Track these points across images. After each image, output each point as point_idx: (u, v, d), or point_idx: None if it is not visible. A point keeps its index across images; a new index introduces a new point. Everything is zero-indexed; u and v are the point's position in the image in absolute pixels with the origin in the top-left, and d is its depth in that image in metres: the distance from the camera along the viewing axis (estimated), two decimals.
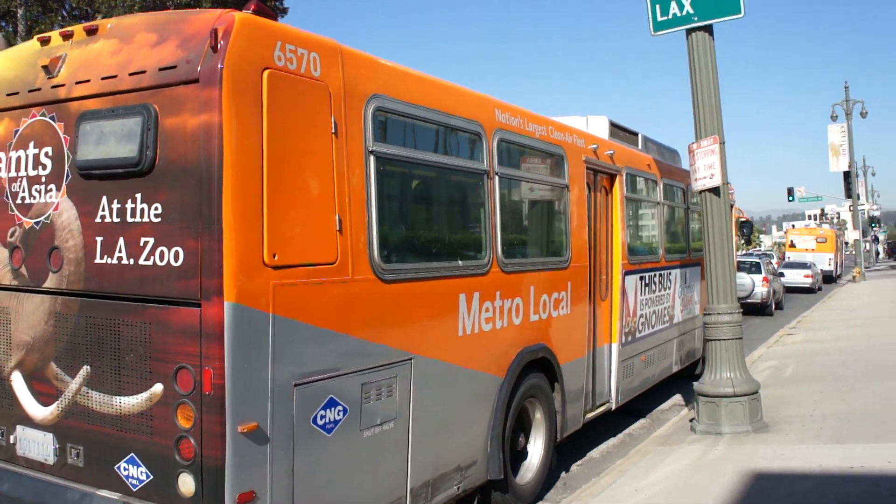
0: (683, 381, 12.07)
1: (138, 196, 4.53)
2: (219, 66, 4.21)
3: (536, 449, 7.58)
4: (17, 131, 5.30)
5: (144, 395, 4.49)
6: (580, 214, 8.55)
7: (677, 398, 12.27)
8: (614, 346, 9.55)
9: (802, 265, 42.10)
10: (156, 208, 4.47)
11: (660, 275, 11.13)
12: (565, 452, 8.94)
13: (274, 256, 4.39)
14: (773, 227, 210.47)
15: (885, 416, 9.16)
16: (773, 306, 27.73)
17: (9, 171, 5.33)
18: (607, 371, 9.48)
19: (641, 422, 11.11)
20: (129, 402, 4.56)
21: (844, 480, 6.89)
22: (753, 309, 25.77)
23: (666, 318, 11.51)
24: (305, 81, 4.73)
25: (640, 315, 10.31)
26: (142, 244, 4.52)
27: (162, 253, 4.43)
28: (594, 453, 9.40)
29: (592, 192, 9.06)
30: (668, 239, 11.84)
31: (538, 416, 7.59)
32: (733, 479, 7.05)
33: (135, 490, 4.56)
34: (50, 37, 5.28)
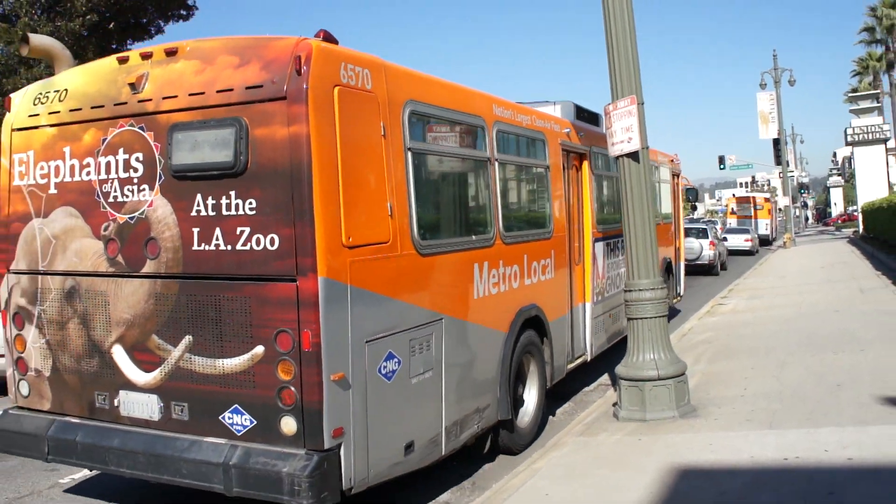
0: (614, 354, 11.36)
1: (232, 193, 5.47)
2: (304, 86, 5.20)
3: (531, 397, 8.75)
4: (105, 139, 6.10)
5: (246, 356, 5.46)
6: (558, 190, 9.77)
7: (604, 378, 11.58)
8: (588, 305, 10.67)
9: (743, 230, 45.37)
10: (250, 203, 5.41)
11: (621, 241, 10.93)
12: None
13: (349, 238, 5.42)
14: (706, 196, 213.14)
15: (819, 394, 8.51)
16: (719, 267, 30.97)
17: (98, 174, 6.15)
18: (583, 327, 10.59)
19: (565, 406, 10.35)
20: (232, 363, 5.53)
21: (778, 476, 6.15)
22: (702, 269, 29.32)
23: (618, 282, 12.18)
24: (362, 94, 5.76)
25: (606, 277, 11.52)
26: (238, 233, 5.47)
27: (258, 239, 5.39)
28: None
29: (566, 170, 10.19)
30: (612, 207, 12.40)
31: (532, 368, 8.73)
32: (656, 479, 6.28)
33: (239, 434, 5.53)
34: (129, 56, 6.12)
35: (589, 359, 10.73)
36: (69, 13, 26.38)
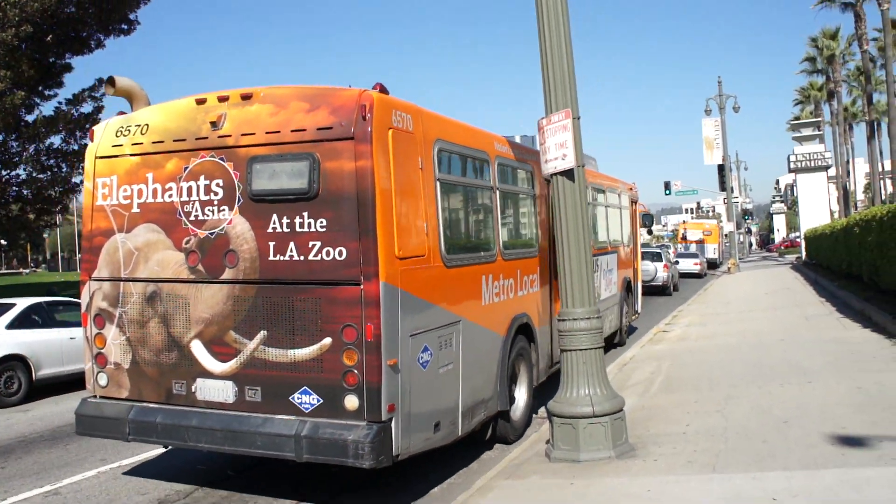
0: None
1: (305, 214, 6.61)
2: (368, 129, 6.38)
3: (521, 394, 9.76)
4: (186, 168, 7.22)
5: (315, 347, 6.56)
6: (543, 214, 10.90)
7: (543, 410, 10.88)
8: (544, 325, 11.12)
9: (693, 255, 48.63)
10: (321, 222, 6.55)
11: (596, 260, 13.35)
12: (406, 486, 7.83)
13: (400, 251, 6.57)
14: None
15: (765, 432, 7.92)
16: (672, 288, 33.59)
17: (180, 196, 7.26)
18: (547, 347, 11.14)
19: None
20: (303, 352, 6.62)
21: None
22: (657, 290, 31.76)
23: (599, 293, 13.07)
24: (407, 135, 6.95)
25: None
26: (310, 246, 6.60)
27: (328, 251, 6.51)
28: (436, 490, 7.86)
29: (549, 197, 10.41)
30: (593, 231, 13.80)
31: (522, 370, 9.75)
32: None
33: (307, 412, 6.61)
34: (206, 98, 7.26)
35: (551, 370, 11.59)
36: (1, 23, 25.14)
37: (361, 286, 6.40)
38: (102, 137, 7.91)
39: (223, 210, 7.08)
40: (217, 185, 7.10)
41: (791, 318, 17.62)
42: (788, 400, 9.27)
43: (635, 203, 19.00)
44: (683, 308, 23.60)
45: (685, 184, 68.68)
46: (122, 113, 8.11)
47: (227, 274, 7.05)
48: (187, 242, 7.27)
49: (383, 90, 6.77)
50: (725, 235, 59.64)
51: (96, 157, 7.90)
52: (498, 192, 9.18)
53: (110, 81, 8.58)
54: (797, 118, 71.18)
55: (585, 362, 7.69)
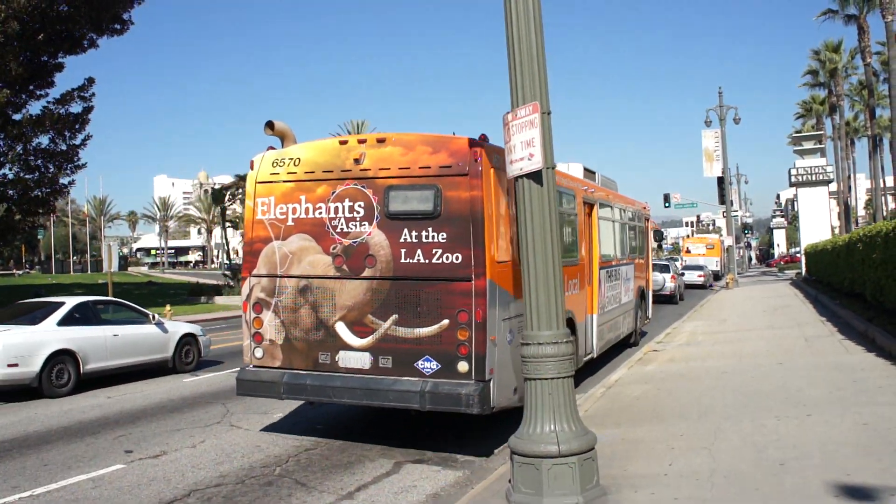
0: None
1: (430, 228, 9.02)
2: (479, 169, 8.74)
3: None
4: (334, 192, 9.57)
5: (436, 326, 8.91)
6: (581, 231, 13.30)
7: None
8: (595, 316, 14.19)
9: (698, 267, 51.40)
10: (442, 235, 8.94)
11: (615, 270, 16.25)
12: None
13: (496, 256, 8.91)
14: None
15: (758, 477, 6.88)
16: (678, 297, 36.51)
17: (328, 214, 9.59)
18: (592, 333, 14.02)
19: (458, 474, 8.61)
20: (426, 330, 8.98)
21: None
22: (665, 299, 34.62)
23: (617, 299, 16.39)
24: (499, 171, 8.88)
25: (606, 296, 15.18)
26: (433, 252, 9.01)
27: (447, 257, 8.89)
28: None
29: (584, 216, 13.61)
30: (618, 245, 16.90)
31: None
32: None
33: (427, 375, 8.95)
34: (348, 140, 9.74)
35: (595, 355, 14.37)
36: None
37: (472, 282, 8.77)
38: (261, 167, 10.23)
39: (364, 224, 9.45)
40: (359, 206, 9.46)
41: (790, 340, 16.59)
42: (785, 436, 8.23)
43: (648, 220, 21.95)
44: (677, 325, 22.58)
45: (685, 196, 67.82)
46: (271, 147, 10.45)
47: (367, 273, 9.39)
48: (334, 248, 9.60)
49: (485, 138, 9.11)
50: (726, 249, 58.81)
51: (256, 182, 10.18)
52: (568, 214, 12.45)
53: (269, 125, 10.40)
54: (798, 132, 70.23)
55: (552, 393, 6.66)
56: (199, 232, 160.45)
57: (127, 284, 71.94)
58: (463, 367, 8.73)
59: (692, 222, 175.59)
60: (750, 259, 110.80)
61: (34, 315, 15.13)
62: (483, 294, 8.69)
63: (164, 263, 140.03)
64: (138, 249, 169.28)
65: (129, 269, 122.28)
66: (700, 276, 49.03)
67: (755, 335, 18.17)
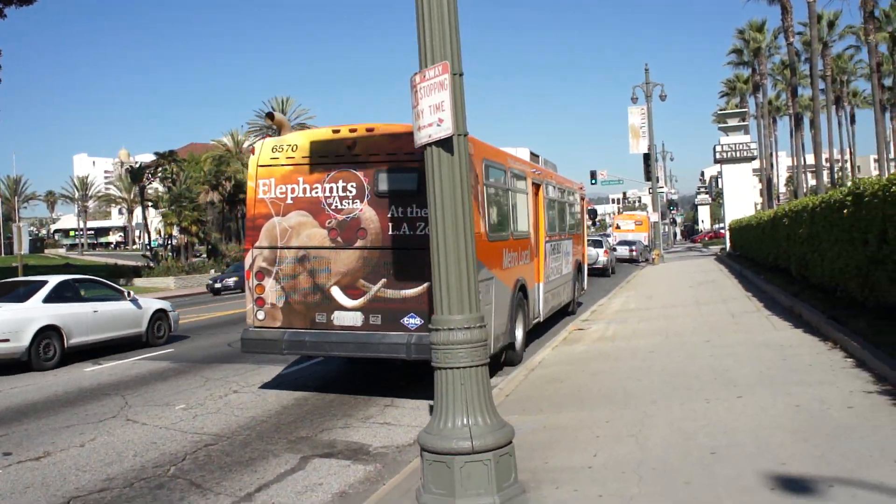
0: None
1: (414, 205, 10.38)
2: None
3: (520, 333, 13.49)
4: (328, 174, 10.96)
5: (420, 287, 10.26)
6: (532, 208, 15.24)
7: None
8: (541, 284, 15.95)
9: (629, 243, 53.75)
10: (424, 210, 9.96)
11: (556, 244, 17.85)
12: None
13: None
14: None
15: (689, 468, 6.37)
16: (611, 270, 38.85)
17: (324, 193, 10.99)
18: (539, 299, 15.79)
19: (369, 469, 7.96)
20: (411, 291, 10.38)
21: None
22: (598, 272, 36.30)
23: (559, 271, 18.14)
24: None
25: (549, 267, 16.85)
26: (417, 225, 10.34)
27: (429, 228, 7.13)
28: None
29: (532, 195, 15.37)
30: (559, 221, 18.69)
31: (520, 316, 13.51)
32: None
33: (412, 329, 10.31)
34: (340, 129, 10.95)
35: (542, 320, 16.28)
36: None
37: None
38: (261, 152, 11.45)
39: (356, 202, 10.82)
40: (352, 186, 10.83)
41: (716, 316, 16.31)
42: (716, 422, 7.76)
43: (584, 199, 24.53)
44: (604, 302, 22.25)
45: (611, 173, 68.13)
46: (268, 135, 13.13)
47: (359, 243, 10.76)
48: (329, 223, 10.93)
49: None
50: (653, 225, 59.24)
51: (258, 165, 11.41)
52: (510, 192, 13.65)
53: (269, 116, 11.95)
54: (723, 110, 70.93)
55: (465, 384, 6.04)
56: (121, 212, 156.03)
57: (42, 267, 69.33)
58: None
59: (619, 199, 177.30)
60: (675, 235, 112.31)
61: (18, 293, 16.02)
62: None
63: (83, 245, 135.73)
64: (56, 231, 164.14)
65: (46, 251, 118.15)
66: (632, 250, 51.21)
67: (682, 312, 17.89)
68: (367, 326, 10.67)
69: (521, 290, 13.59)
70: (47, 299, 15.76)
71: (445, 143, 6.09)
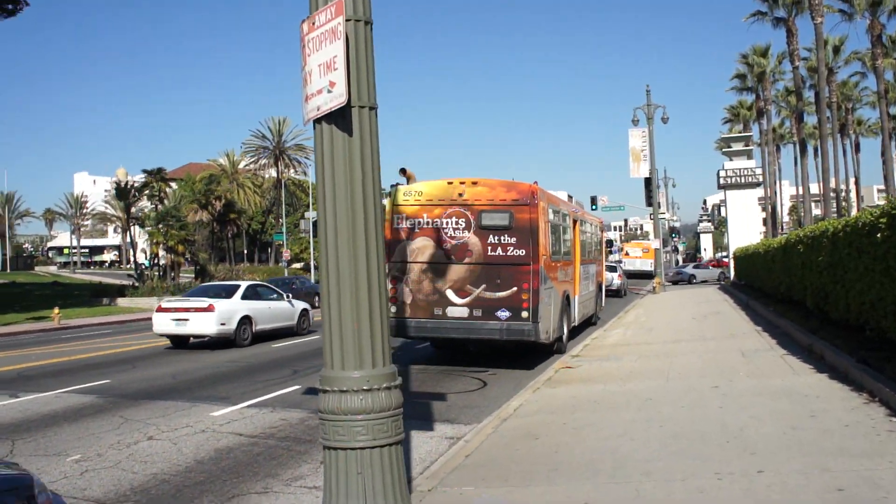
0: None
1: (505, 235, 15.14)
2: (535, 201, 15.29)
3: (566, 331, 18.02)
4: (446, 212, 15.46)
5: (509, 291, 14.96)
6: (572, 239, 20.17)
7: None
8: (577, 297, 20.21)
9: (643, 273, 62.31)
10: (513, 239, 15.10)
11: (586, 267, 22.30)
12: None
13: (543, 253, 15.38)
14: None
15: None
16: (624, 292, 42.91)
17: (442, 224, 15.48)
18: (575, 307, 19.90)
19: None
20: (503, 294, 14.99)
21: None
22: (613, 293, 40.08)
23: (587, 287, 22.42)
24: (544, 203, 15.85)
25: (582, 284, 21.19)
26: (508, 249, 15.11)
27: (516, 251, 15.04)
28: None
29: (571, 227, 20.14)
30: (588, 249, 23.16)
31: (565, 318, 18.02)
32: None
33: (504, 319, 14.92)
34: (453, 182, 15.74)
35: (576, 323, 20.29)
36: None
37: (531, 266, 15.00)
38: (395, 196, 15.87)
39: (465, 232, 15.37)
40: (462, 221, 15.42)
41: (725, 355, 14.29)
42: None
43: (603, 231, 29.57)
44: (598, 335, 20.24)
45: (612, 199, 66.25)
46: (398, 184, 16.46)
47: (467, 260, 15.28)
48: (445, 245, 15.41)
49: (537, 183, 15.84)
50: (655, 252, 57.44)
51: (394, 205, 15.74)
52: (561, 227, 18.30)
53: (402, 171, 16.86)
54: (727, 136, 69.13)
55: (363, 472, 4.08)
56: (116, 231, 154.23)
57: (30, 285, 67.52)
58: (524, 315, 14.86)
59: (620, 226, 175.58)
60: (677, 263, 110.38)
61: (222, 293, 22.01)
62: (537, 273, 15.02)
63: (75, 263, 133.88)
64: (50, 248, 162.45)
65: (37, 268, 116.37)
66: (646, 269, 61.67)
67: (685, 348, 15.88)
68: (472, 317, 15.24)
69: (567, 298, 18.19)
70: (243, 297, 22.02)
71: (340, 119, 4.15)
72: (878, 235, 10.70)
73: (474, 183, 15.61)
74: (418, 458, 8.96)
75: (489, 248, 15.15)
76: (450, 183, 15.77)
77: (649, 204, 49.22)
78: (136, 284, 54.20)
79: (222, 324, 20.69)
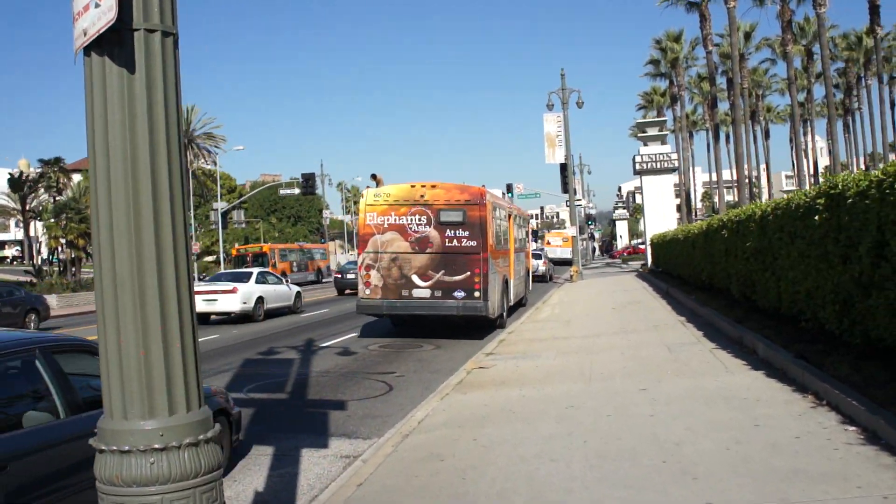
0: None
1: (459, 229, 18.32)
2: (484, 201, 18.64)
3: (505, 308, 21.06)
4: (409, 211, 18.55)
5: (464, 275, 18.15)
6: (508, 231, 22.82)
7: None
8: (512, 280, 22.98)
9: (563, 261, 63.18)
10: (466, 233, 18.27)
11: (518, 255, 25.30)
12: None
13: (489, 245, 18.50)
14: None
15: None
16: (550, 277, 46.14)
17: (406, 221, 18.54)
18: (511, 289, 22.78)
19: None
20: (458, 278, 18.14)
21: None
22: (539, 279, 42.68)
23: (518, 273, 25.36)
24: (489, 202, 19.27)
25: (515, 270, 24.27)
26: (463, 241, 18.28)
27: (469, 242, 18.20)
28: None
29: (507, 221, 23.07)
30: (518, 239, 25.98)
31: (505, 298, 20.93)
32: None
33: (459, 299, 18.13)
34: (416, 185, 18.96)
35: (511, 304, 22.80)
36: None
37: (481, 255, 18.01)
38: (367, 198, 19.11)
39: (426, 227, 18.27)
40: (423, 218, 18.33)
41: (649, 349, 13.28)
42: None
43: (528, 222, 33.73)
44: (515, 328, 19.16)
45: (527, 186, 65.56)
46: (368, 187, 20.62)
47: (428, 250, 18.20)
48: (410, 239, 18.39)
49: (485, 187, 19.91)
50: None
51: (366, 204, 18.97)
52: (499, 221, 20.94)
53: (373, 177, 22.01)
54: (642, 121, 69.08)
55: None
56: (18, 225, 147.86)
57: None
58: (477, 294, 17.92)
59: (536, 214, 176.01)
60: (594, 250, 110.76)
61: (239, 278, 26.63)
62: (486, 261, 18.07)
63: None
64: None
65: None
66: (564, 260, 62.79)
67: (606, 342, 14.84)
68: (433, 297, 18.17)
69: (505, 282, 21.19)
70: (256, 281, 26.59)
71: (117, 48, 2.77)
72: (816, 218, 9.74)
73: (433, 186, 18.81)
74: (306, 484, 7.72)
75: (447, 240, 18.24)
76: (413, 186, 18.92)
77: (565, 191, 48.46)
78: (34, 281, 51.24)
79: (244, 303, 25.39)
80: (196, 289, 25.53)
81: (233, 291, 25.31)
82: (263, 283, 27.13)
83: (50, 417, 5.67)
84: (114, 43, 2.77)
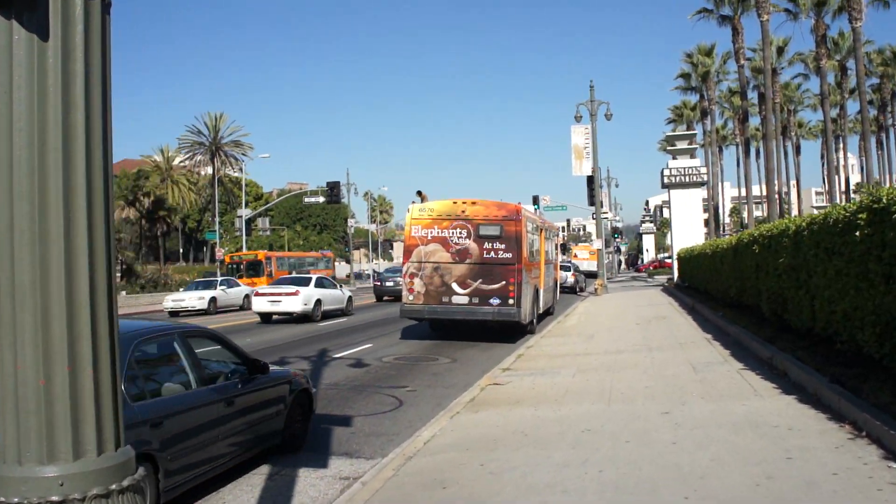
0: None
1: (497, 242, 20.23)
2: (519, 217, 20.66)
3: (535, 315, 22.81)
4: (451, 224, 20.45)
5: (500, 284, 19.88)
6: (539, 244, 24.65)
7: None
8: (542, 290, 24.57)
9: (589, 273, 62.36)
10: (503, 245, 20.17)
11: (548, 266, 27.16)
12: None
13: (524, 257, 20.56)
14: None
15: None
16: (578, 289, 46.42)
17: (448, 234, 20.43)
18: (541, 298, 24.31)
19: None
20: (494, 286, 19.89)
21: None
22: (569, 290, 43.62)
23: (548, 284, 26.99)
24: (525, 218, 21.55)
25: (545, 280, 25.70)
26: (499, 253, 20.17)
27: (504, 254, 20.10)
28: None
29: (539, 235, 24.71)
30: (548, 252, 27.77)
31: (535, 306, 22.88)
32: None
33: (495, 305, 19.85)
34: (457, 201, 20.97)
35: (540, 311, 24.33)
36: None
37: (515, 266, 19.85)
38: (413, 212, 20.78)
39: (466, 239, 20.15)
40: (464, 231, 20.22)
41: (674, 368, 12.66)
42: None
43: (558, 236, 36.14)
44: (534, 343, 18.56)
45: (554, 199, 64.96)
46: (414, 202, 22.66)
47: (468, 260, 20.03)
48: (451, 250, 20.15)
49: (520, 204, 21.96)
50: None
51: (412, 219, 20.68)
52: (532, 236, 22.92)
53: (419, 193, 28.47)
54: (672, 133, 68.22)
55: None
56: None
57: None
58: (511, 302, 19.54)
59: (563, 227, 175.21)
60: (620, 264, 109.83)
61: (300, 283, 29.58)
62: (520, 271, 19.79)
63: None
64: None
65: None
66: (590, 273, 61.59)
67: (629, 360, 14.22)
68: (471, 304, 19.75)
69: (536, 291, 22.70)
70: (315, 285, 29.40)
71: (27, 12, 2.29)
72: (857, 234, 9.11)
73: (474, 203, 20.74)
74: None
75: (484, 251, 19.98)
76: (455, 202, 20.84)
77: (592, 203, 47.84)
78: None
79: (305, 304, 28.08)
80: (261, 291, 30.01)
81: (295, 294, 27.99)
82: (321, 287, 29.98)
83: (183, 389, 7.23)
84: (24, 4, 2.28)
